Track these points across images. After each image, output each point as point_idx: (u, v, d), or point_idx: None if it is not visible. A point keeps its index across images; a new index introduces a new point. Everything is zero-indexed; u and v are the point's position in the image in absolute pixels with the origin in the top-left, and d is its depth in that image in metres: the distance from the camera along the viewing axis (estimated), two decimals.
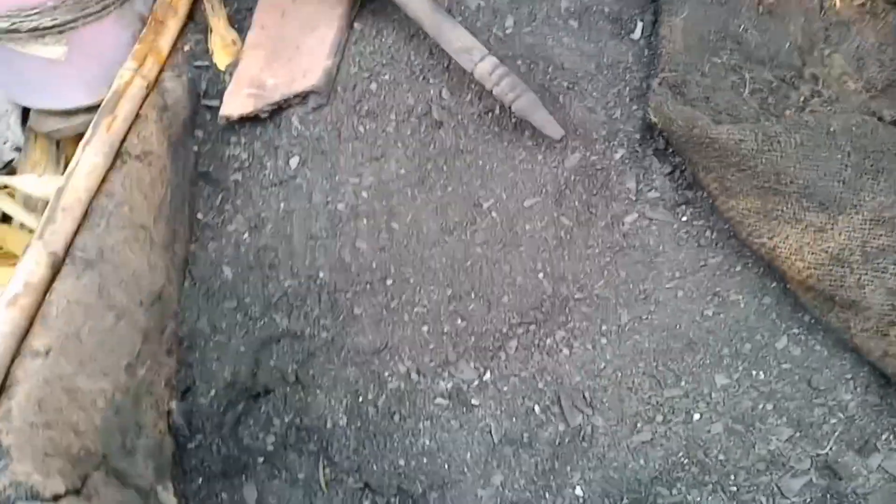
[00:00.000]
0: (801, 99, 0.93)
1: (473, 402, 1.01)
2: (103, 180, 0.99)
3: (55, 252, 0.90)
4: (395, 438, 1.02)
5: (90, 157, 0.99)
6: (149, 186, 1.04)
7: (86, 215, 0.96)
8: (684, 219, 0.99)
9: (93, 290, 0.91)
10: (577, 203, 1.00)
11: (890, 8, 0.95)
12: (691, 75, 0.94)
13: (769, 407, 0.92)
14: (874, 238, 0.83)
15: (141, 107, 1.08)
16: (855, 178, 0.83)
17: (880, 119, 0.86)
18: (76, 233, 0.94)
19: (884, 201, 0.83)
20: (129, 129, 1.05)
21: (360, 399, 1.04)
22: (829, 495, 0.87)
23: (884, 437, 0.87)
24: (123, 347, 0.93)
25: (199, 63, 1.18)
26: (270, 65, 1.14)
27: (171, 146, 1.10)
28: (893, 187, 0.83)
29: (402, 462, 1.01)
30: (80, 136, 1.03)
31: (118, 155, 1.02)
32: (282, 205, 1.10)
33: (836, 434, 0.89)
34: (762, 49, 0.95)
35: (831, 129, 0.85)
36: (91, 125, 1.03)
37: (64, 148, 1.26)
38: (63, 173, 1.07)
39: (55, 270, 0.89)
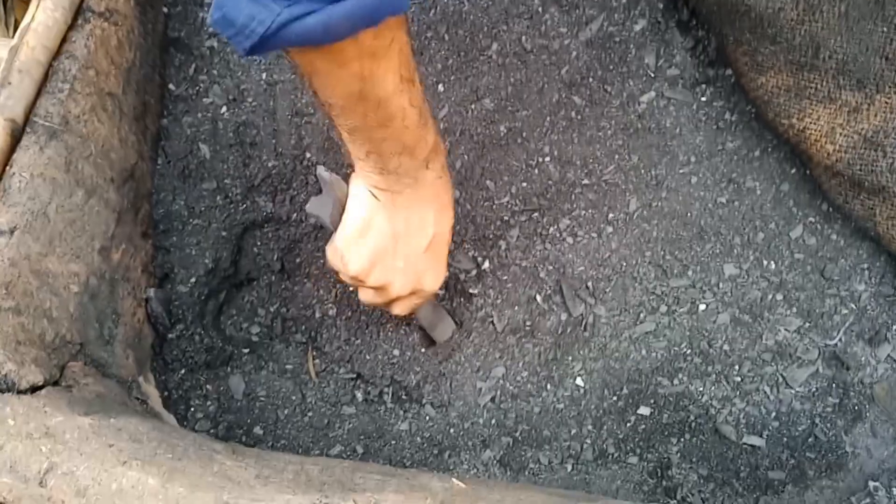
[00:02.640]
0: None
1: (471, 291, 0.97)
2: (63, 40, 0.88)
3: (13, 119, 0.79)
4: (387, 328, 0.98)
5: (47, 12, 0.86)
6: (115, 49, 0.93)
7: (45, 79, 0.85)
8: (704, 99, 0.92)
9: (59, 162, 0.82)
10: (591, 80, 0.93)
11: None
12: None
13: (779, 297, 0.90)
14: None
15: None
16: None
17: None
18: (36, 98, 0.83)
19: None
20: None
21: (351, 288, 0.99)
22: (834, 385, 0.86)
23: (895, 327, 0.86)
24: (96, 228, 0.85)
25: None
26: None
27: (139, 5, 0.98)
28: None
29: (396, 352, 0.97)
30: None
31: (79, 11, 0.90)
32: (264, 76, 1.00)
33: (847, 325, 0.87)
34: None
35: None
36: None
37: (12, 8, 1.12)
38: (14, 35, 0.95)
39: (15, 139, 0.79)
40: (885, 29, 0.77)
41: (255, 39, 0.49)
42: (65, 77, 0.85)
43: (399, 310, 0.82)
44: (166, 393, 0.96)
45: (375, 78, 0.56)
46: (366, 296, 0.81)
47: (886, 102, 0.78)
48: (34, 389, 0.67)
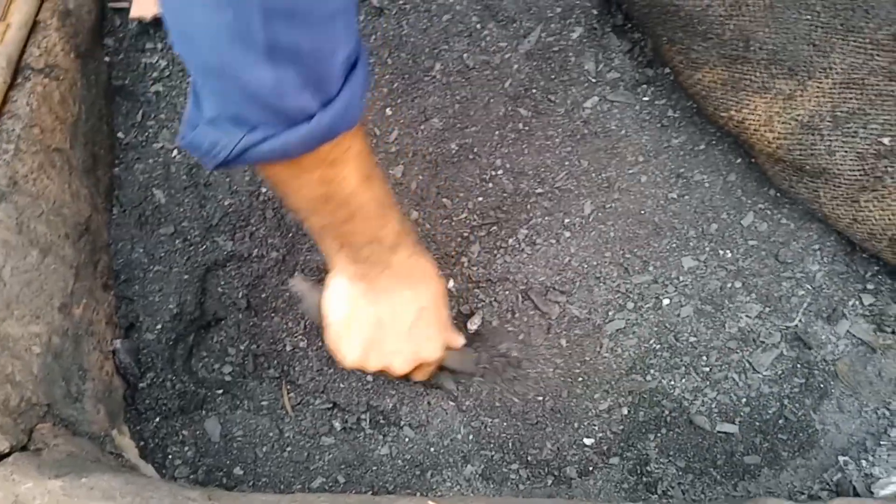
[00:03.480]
0: None
1: None
2: (4, 100, 0.87)
3: None
4: None
5: None
6: (59, 104, 0.92)
7: None
8: (646, 99, 0.94)
9: (10, 224, 0.81)
10: (535, 91, 0.94)
11: None
12: None
13: (738, 285, 0.91)
14: (844, 101, 0.80)
15: (38, 12, 0.94)
16: (825, 40, 0.80)
17: None
18: None
19: (854, 62, 0.80)
20: (28, 38, 0.92)
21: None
22: (798, 365, 0.88)
23: (850, 303, 0.88)
24: (54, 286, 0.84)
25: None
26: None
27: (80, 58, 0.98)
28: (863, 46, 0.80)
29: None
30: None
31: (18, 70, 0.90)
32: None
33: (805, 305, 0.89)
34: None
35: None
36: None
37: None
38: None
39: None
40: (808, 17, 0.80)
41: (219, 161, 0.53)
42: (9, 137, 0.85)
43: (417, 378, 0.85)
44: (142, 443, 0.95)
45: (336, 181, 0.59)
46: (371, 372, 0.83)
47: (819, 87, 0.80)
48: (1, 457, 0.66)
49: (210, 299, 1.00)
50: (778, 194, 0.90)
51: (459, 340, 0.87)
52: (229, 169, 0.59)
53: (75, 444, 0.76)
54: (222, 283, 1.00)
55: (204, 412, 0.98)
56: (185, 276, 0.99)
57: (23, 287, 0.80)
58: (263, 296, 1.00)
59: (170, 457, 0.95)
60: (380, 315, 0.75)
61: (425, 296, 0.76)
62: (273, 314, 1.01)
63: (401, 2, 0.96)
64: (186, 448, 0.95)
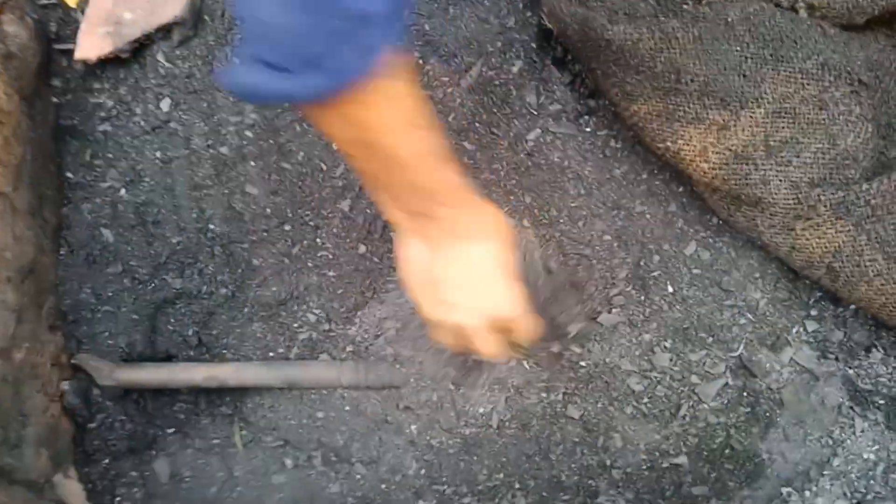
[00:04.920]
0: None
1: (388, 350, 0.97)
2: None
3: None
4: (311, 391, 0.98)
5: None
6: (2, 148, 0.92)
7: None
8: (588, 129, 0.94)
9: None
10: (478, 124, 0.94)
11: None
12: None
13: (681, 314, 0.91)
14: (777, 131, 0.80)
15: None
16: (755, 70, 0.80)
17: (777, 5, 0.82)
18: None
19: (784, 91, 0.80)
20: None
21: (271, 354, 0.99)
22: (744, 394, 0.88)
23: (794, 330, 0.88)
24: None
25: (45, 2, 1.04)
26: None
27: (25, 100, 0.98)
28: (794, 76, 0.80)
29: (320, 414, 0.96)
30: None
31: None
32: (158, 154, 1.00)
33: (747, 334, 0.89)
34: None
35: (729, 20, 0.81)
36: None
37: None
38: None
39: None
40: (738, 48, 0.80)
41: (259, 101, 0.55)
42: None
43: (487, 348, 0.77)
44: (90, 485, 0.94)
45: (370, 126, 0.57)
46: (450, 340, 0.78)
47: (751, 117, 0.81)
48: None
49: (160, 337, 1.00)
50: (720, 222, 0.91)
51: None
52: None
53: (9, 494, 0.75)
54: (172, 320, 1.00)
55: (154, 452, 0.97)
56: (134, 316, 0.98)
57: None
58: (214, 332, 1.00)
59: (118, 499, 0.94)
60: (440, 272, 0.71)
61: (488, 252, 0.71)
62: (224, 350, 1.00)
63: None
64: (135, 489, 0.94)
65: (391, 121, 0.58)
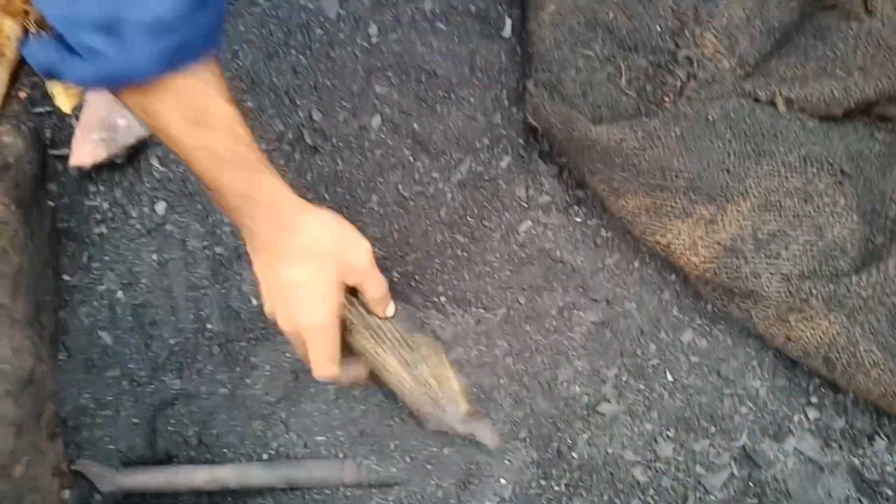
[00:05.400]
0: (679, 83, 0.90)
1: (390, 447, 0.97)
2: None
3: None
4: (313, 490, 0.97)
5: None
6: (0, 260, 0.93)
7: None
8: (578, 219, 0.95)
9: None
10: (469, 218, 0.95)
11: None
12: (566, 72, 0.89)
13: (682, 404, 0.91)
14: (764, 224, 0.81)
15: None
16: (739, 165, 0.81)
17: (756, 101, 0.84)
18: None
19: (769, 185, 0.81)
20: None
21: (273, 452, 0.98)
22: (750, 484, 0.87)
23: (795, 418, 0.87)
24: None
25: (39, 110, 1.06)
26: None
27: (22, 208, 0.99)
28: (777, 169, 0.81)
29: None
30: None
31: None
32: (154, 256, 1.01)
33: (750, 423, 0.88)
34: (634, 35, 0.91)
35: (710, 118, 0.82)
36: None
37: None
38: None
39: None
40: (720, 144, 0.82)
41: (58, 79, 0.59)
42: None
43: (303, 358, 0.80)
44: None
45: (156, 117, 0.62)
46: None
47: (738, 211, 0.82)
48: None
49: (161, 438, 1.00)
50: (714, 310, 0.91)
51: (384, 310, 0.82)
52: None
53: None
54: (172, 422, 1.00)
55: None
56: (134, 420, 0.98)
57: None
58: (214, 432, 0.99)
59: None
60: (260, 272, 0.76)
61: (298, 270, 0.73)
62: (225, 450, 1.00)
63: (334, 140, 0.98)
64: None
65: (176, 117, 0.62)
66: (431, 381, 0.83)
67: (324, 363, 0.77)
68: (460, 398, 0.83)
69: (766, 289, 0.81)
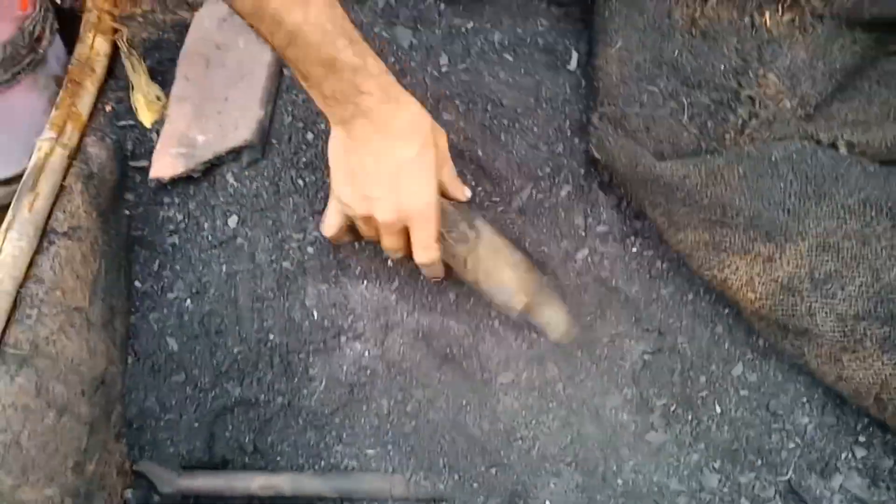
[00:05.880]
0: (740, 122, 0.93)
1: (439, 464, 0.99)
2: (30, 265, 0.93)
3: None
4: (362, 501, 1.00)
5: (13, 242, 0.93)
6: (80, 264, 0.98)
7: (14, 306, 0.90)
8: (634, 250, 0.98)
9: (30, 389, 0.86)
10: (527, 244, 0.99)
11: (817, 22, 0.95)
12: (630, 107, 0.93)
13: (730, 436, 0.92)
14: (822, 264, 0.83)
15: (64, 178, 1.02)
16: (799, 206, 0.84)
17: (818, 143, 0.86)
18: (6, 327, 0.88)
19: (828, 226, 0.83)
20: (54, 204, 0.99)
21: (324, 462, 1.01)
22: None
23: (843, 456, 0.89)
24: (69, 445, 0.88)
25: (123, 123, 1.12)
26: (199, 119, 1.09)
27: (101, 216, 1.05)
28: (836, 212, 0.83)
29: None
30: None
31: (44, 235, 0.96)
32: (223, 267, 1.05)
33: (797, 458, 0.90)
34: (698, 73, 0.94)
35: (772, 159, 0.85)
36: (11, 205, 0.97)
37: None
38: None
39: None
40: (781, 185, 0.84)
41: None
42: (32, 302, 0.91)
43: (391, 244, 0.81)
44: None
45: None
46: (363, 231, 0.83)
47: (796, 251, 0.84)
48: None
49: (218, 443, 1.03)
50: (766, 344, 0.93)
51: (463, 192, 0.85)
52: None
53: None
54: (230, 427, 1.04)
55: None
56: (196, 424, 1.02)
57: (39, 451, 0.84)
58: (269, 440, 1.03)
59: None
60: (357, 164, 0.75)
61: (408, 147, 0.74)
62: (279, 458, 1.03)
63: None
64: None
65: None
66: (503, 271, 0.88)
67: (431, 245, 0.79)
68: (530, 286, 0.90)
69: (821, 328, 0.83)
